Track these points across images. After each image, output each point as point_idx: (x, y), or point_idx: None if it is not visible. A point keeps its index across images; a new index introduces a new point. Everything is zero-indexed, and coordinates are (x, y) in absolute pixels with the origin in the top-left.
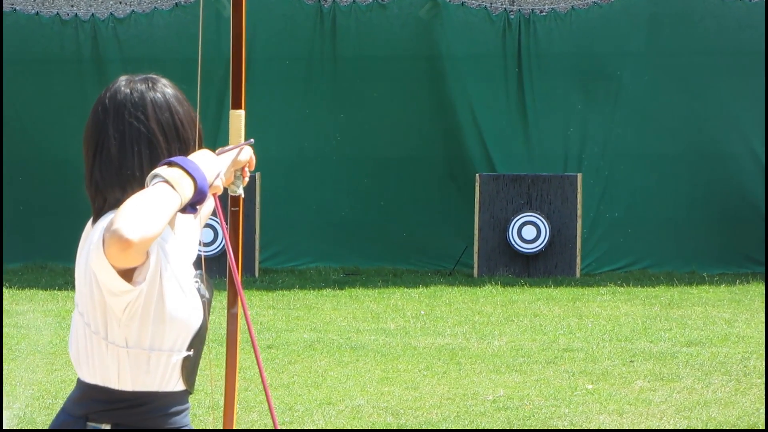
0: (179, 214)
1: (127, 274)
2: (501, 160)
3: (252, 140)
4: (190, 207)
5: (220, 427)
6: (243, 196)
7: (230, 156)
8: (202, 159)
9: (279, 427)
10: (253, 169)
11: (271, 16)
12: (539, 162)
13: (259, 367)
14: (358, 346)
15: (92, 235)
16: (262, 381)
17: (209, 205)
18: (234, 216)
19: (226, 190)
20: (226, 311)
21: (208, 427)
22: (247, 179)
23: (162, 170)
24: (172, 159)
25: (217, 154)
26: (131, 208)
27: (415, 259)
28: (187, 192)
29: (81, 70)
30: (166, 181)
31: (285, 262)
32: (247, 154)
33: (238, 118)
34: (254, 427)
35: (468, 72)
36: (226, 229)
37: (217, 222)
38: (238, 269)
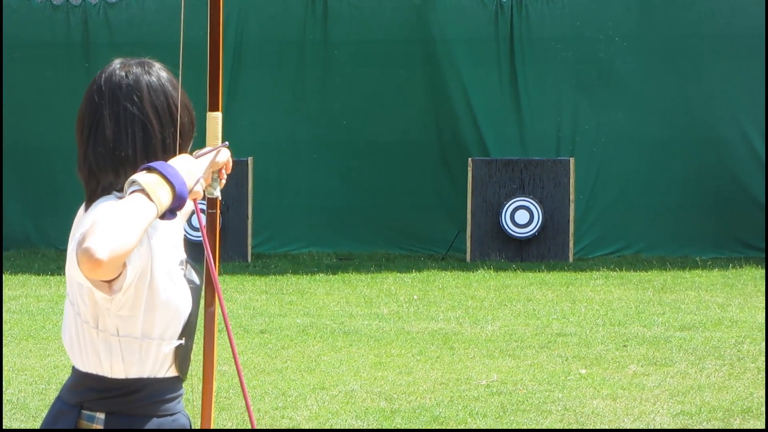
0: None
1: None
2: (494, 144)
3: (227, 143)
4: (170, 213)
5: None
6: (220, 197)
7: (208, 158)
8: (182, 164)
9: (264, 416)
10: (230, 171)
11: (262, 0)
12: (532, 146)
13: (237, 367)
14: (351, 331)
15: (83, 221)
16: (240, 382)
17: (190, 204)
18: (211, 218)
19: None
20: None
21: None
22: (224, 181)
23: (140, 177)
24: (151, 164)
25: (195, 157)
26: (103, 223)
27: (408, 243)
28: (165, 200)
29: (71, 55)
30: (143, 190)
31: (278, 247)
32: (225, 155)
33: (215, 121)
34: (245, 414)
35: (460, 56)
36: (206, 233)
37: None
38: (215, 269)
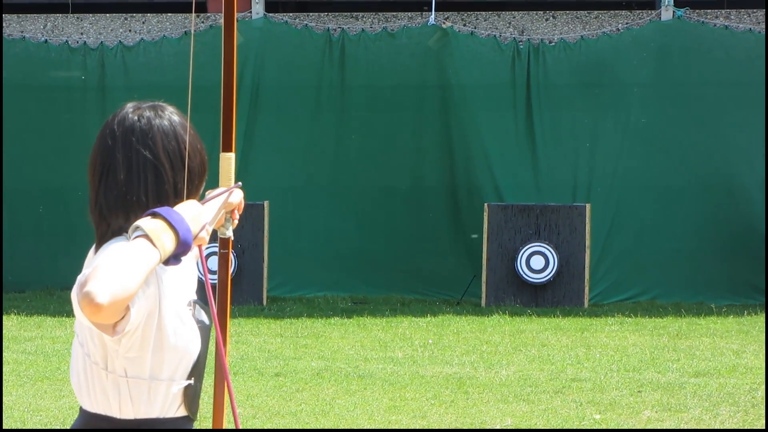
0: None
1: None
2: (509, 189)
3: (240, 183)
4: (173, 258)
5: None
6: (232, 238)
7: (219, 201)
8: (188, 210)
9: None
10: (241, 212)
11: (280, 44)
12: (548, 192)
13: (231, 401)
14: (365, 375)
15: (92, 263)
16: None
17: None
18: (223, 258)
19: (215, 232)
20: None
21: None
22: (236, 222)
23: (144, 222)
24: (156, 210)
25: (207, 198)
26: (105, 267)
27: (423, 288)
28: (168, 246)
29: (87, 98)
30: (147, 235)
31: (293, 290)
32: (238, 196)
33: (228, 161)
34: None
35: (477, 101)
36: (210, 282)
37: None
38: (225, 312)
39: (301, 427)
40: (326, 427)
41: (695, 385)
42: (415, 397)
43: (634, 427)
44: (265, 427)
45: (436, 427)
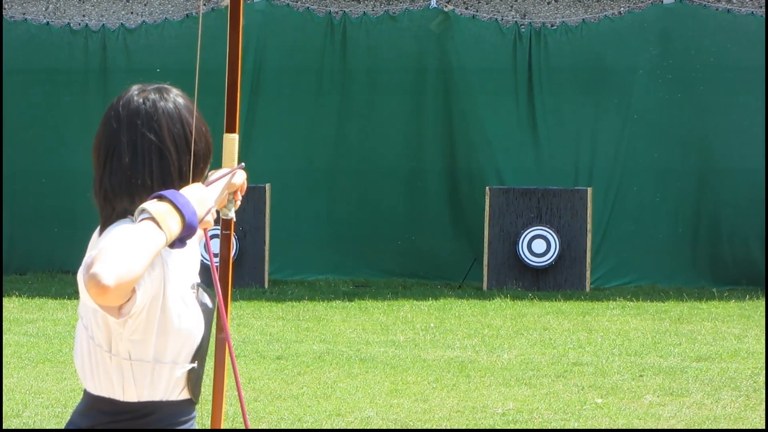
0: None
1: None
2: (511, 173)
3: (243, 164)
4: (179, 242)
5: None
6: (234, 219)
7: (223, 182)
8: (194, 193)
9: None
10: (244, 192)
11: (281, 28)
12: (549, 176)
13: (237, 384)
14: (367, 358)
15: (96, 245)
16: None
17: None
18: (225, 239)
19: (218, 213)
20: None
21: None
22: (239, 203)
23: (150, 205)
24: (162, 193)
25: (210, 178)
26: (112, 249)
27: (425, 271)
28: (174, 228)
29: (88, 80)
30: (153, 218)
31: (294, 273)
32: (241, 177)
33: (231, 142)
34: None
35: (478, 85)
36: (215, 264)
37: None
38: (226, 294)
39: (302, 411)
40: (327, 410)
41: (697, 370)
42: (416, 380)
43: (635, 412)
44: (267, 410)
45: (438, 411)
